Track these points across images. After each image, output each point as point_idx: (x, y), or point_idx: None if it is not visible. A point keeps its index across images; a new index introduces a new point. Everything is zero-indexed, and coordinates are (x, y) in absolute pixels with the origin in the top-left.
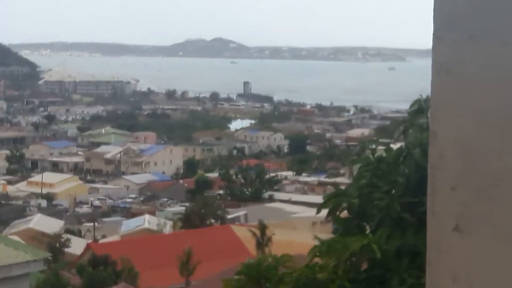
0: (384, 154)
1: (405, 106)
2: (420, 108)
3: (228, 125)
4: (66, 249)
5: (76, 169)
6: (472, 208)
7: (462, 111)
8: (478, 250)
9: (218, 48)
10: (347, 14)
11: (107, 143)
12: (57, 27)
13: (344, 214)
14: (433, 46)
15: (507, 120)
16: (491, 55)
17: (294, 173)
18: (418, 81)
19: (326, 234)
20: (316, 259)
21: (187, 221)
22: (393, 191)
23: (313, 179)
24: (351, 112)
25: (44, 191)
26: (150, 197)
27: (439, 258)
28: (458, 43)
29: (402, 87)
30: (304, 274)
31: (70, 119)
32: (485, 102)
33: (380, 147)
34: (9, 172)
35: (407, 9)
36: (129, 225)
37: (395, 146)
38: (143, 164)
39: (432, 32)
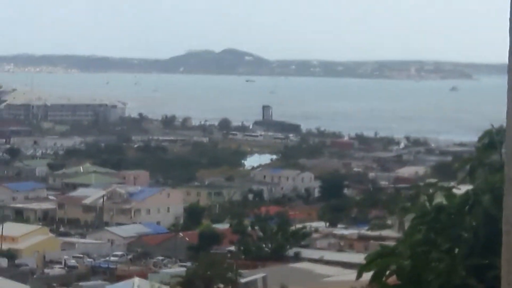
0: (444, 202)
1: (471, 138)
2: (491, 141)
3: (243, 161)
4: None
5: (46, 218)
6: None
7: None
8: None
9: (230, 62)
10: (396, 21)
11: (86, 185)
12: (22, 36)
13: (393, 279)
14: (509, 65)
15: None
16: None
17: (327, 224)
18: (488, 105)
19: None
20: None
21: (189, 286)
22: (456, 250)
23: (351, 232)
24: (402, 145)
25: (4, 246)
26: (141, 254)
27: None
28: None
29: (468, 113)
30: None
31: (39, 153)
32: None
33: (440, 192)
34: None
35: (474, 15)
36: None
37: (459, 191)
38: (132, 212)
39: (508, 44)
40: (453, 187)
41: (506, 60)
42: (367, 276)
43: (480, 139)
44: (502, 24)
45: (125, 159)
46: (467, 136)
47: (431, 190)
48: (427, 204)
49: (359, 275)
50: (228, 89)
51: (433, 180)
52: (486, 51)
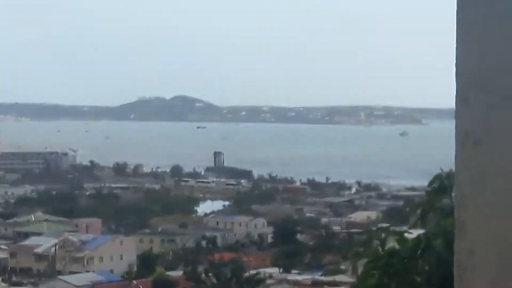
0: (397, 246)
1: (422, 182)
2: (442, 186)
3: (195, 208)
4: None
5: None
6: None
7: (497, 194)
8: None
9: (181, 108)
10: (345, 66)
11: (38, 234)
12: None
13: None
14: (456, 110)
15: None
16: None
17: (281, 269)
18: (438, 150)
19: None
20: None
21: None
22: None
23: (305, 277)
24: (353, 190)
25: None
26: None
27: None
28: (487, 106)
29: (418, 158)
30: None
31: None
32: None
33: (392, 237)
34: None
35: (422, 61)
36: None
37: (411, 236)
38: (85, 260)
39: (455, 92)
40: (405, 231)
41: (453, 105)
42: None
43: (430, 183)
44: (449, 69)
45: (77, 207)
46: (418, 180)
47: (383, 235)
48: (380, 248)
49: None
50: (179, 136)
51: (385, 225)
52: (434, 96)
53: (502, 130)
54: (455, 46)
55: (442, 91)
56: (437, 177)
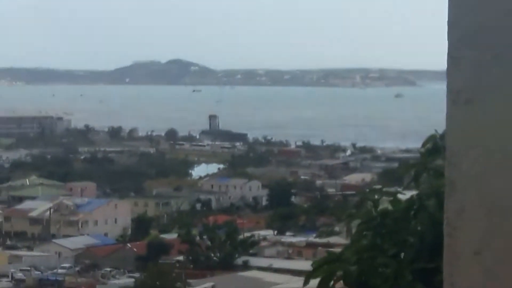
0: (390, 207)
1: (416, 144)
2: (435, 147)
3: (190, 171)
4: None
5: None
6: (502, 279)
7: (487, 153)
8: None
9: (176, 72)
10: (341, 29)
11: (33, 198)
12: None
13: (340, 285)
14: (447, 69)
15: None
16: None
17: (276, 232)
18: (432, 112)
19: None
20: None
21: None
22: (403, 254)
23: (299, 239)
24: (348, 152)
25: None
26: (89, 266)
27: None
28: (479, 64)
29: (412, 120)
30: None
31: None
32: None
33: (385, 198)
34: None
35: (416, 23)
36: None
37: (404, 197)
38: (80, 224)
39: (446, 51)
40: (398, 192)
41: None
42: (314, 282)
43: (424, 144)
44: (443, 30)
45: (71, 171)
46: (413, 142)
47: (376, 196)
48: (373, 210)
49: (306, 282)
50: (175, 99)
51: (378, 186)
52: (428, 58)
53: (494, 88)
54: (447, 4)
55: (436, 53)
56: (431, 138)
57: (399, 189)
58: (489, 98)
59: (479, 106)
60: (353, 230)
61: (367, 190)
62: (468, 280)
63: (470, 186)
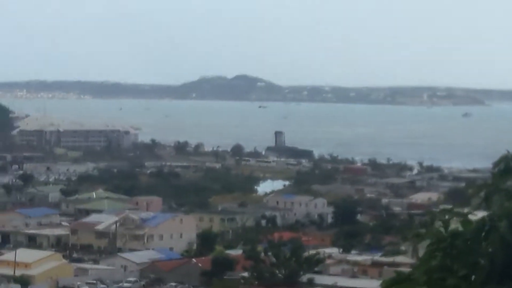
0: (460, 228)
1: (484, 164)
2: (507, 167)
3: (255, 187)
4: None
5: (59, 244)
6: None
7: None
8: None
9: (243, 87)
10: (409, 46)
11: (99, 211)
12: (35, 63)
13: None
14: None
15: None
16: None
17: (341, 250)
18: (500, 132)
19: None
20: None
21: None
22: (473, 276)
23: (365, 258)
24: (415, 171)
25: (18, 272)
26: (154, 280)
27: None
28: None
29: (480, 139)
30: None
31: (51, 179)
32: None
33: (455, 218)
34: None
35: (485, 41)
36: None
37: (474, 217)
38: (145, 238)
39: None
40: (469, 213)
41: None
42: None
43: (496, 164)
44: None
45: (137, 185)
46: (480, 162)
47: (446, 216)
48: (443, 230)
49: None
50: (240, 115)
51: (448, 206)
52: (497, 77)
53: None
54: None
55: (505, 72)
56: (503, 159)
57: (469, 210)
58: None
59: None
60: (420, 250)
61: (437, 210)
62: None
63: None
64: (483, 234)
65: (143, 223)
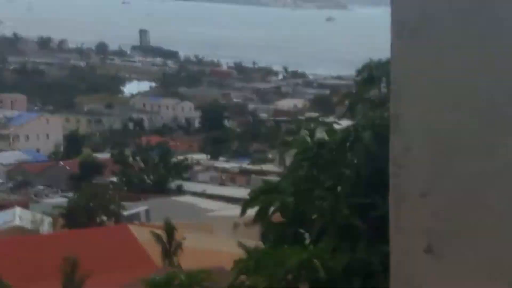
0: (326, 137)
1: (349, 71)
2: (370, 76)
3: (121, 88)
4: None
5: None
6: (450, 222)
7: (435, 88)
8: (457, 279)
9: None
10: None
11: None
12: None
13: (277, 216)
14: None
15: (495, 101)
16: (474, 8)
17: (209, 156)
18: (365, 38)
19: (252, 239)
20: (242, 277)
21: (71, 218)
22: (339, 187)
23: (233, 165)
24: (280, 76)
25: None
26: (21, 183)
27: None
28: None
29: (345, 45)
30: None
31: None
32: (465, 76)
33: (321, 127)
34: None
35: None
36: None
37: (339, 127)
38: (11, 138)
39: None
40: (334, 122)
41: None
42: (251, 211)
43: (359, 73)
44: None
45: (0, 81)
46: (344, 69)
47: (312, 125)
48: (308, 139)
49: (243, 212)
50: (104, 11)
51: (313, 114)
52: None
53: (440, 19)
54: None
55: None
56: (366, 67)
57: (334, 119)
58: (438, 28)
59: (426, 38)
60: (287, 159)
61: (303, 118)
62: (415, 222)
63: (416, 123)
64: (348, 144)
65: (8, 122)
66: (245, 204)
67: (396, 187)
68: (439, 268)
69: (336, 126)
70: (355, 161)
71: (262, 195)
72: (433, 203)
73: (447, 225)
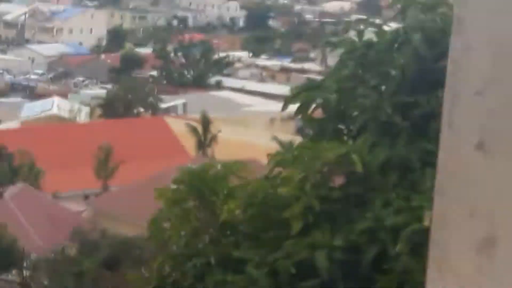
0: (374, 39)
1: None
2: None
3: None
4: None
5: None
6: (503, 121)
7: None
8: (507, 176)
9: None
10: None
11: (8, 1)
12: None
13: (318, 113)
14: None
15: None
16: None
17: (251, 54)
18: None
19: (287, 134)
20: (278, 169)
21: (109, 109)
22: (384, 87)
23: (274, 63)
24: None
25: None
26: (62, 74)
27: (453, 183)
28: None
29: None
30: (262, 188)
31: None
32: None
33: (370, 29)
34: None
35: None
36: (33, 109)
37: (388, 29)
38: (55, 31)
39: None
40: (384, 24)
41: None
42: (291, 108)
43: None
44: None
45: None
46: None
47: (361, 26)
48: (357, 39)
49: (285, 107)
50: None
51: (362, 16)
52: None
53: None
54: None
55: None
56: None
57: (383, 22)
58: None
59: None
60: (330, 59)
61: (351, 19)
62: (468, 119)
63: (479, 25)
64: (396, 45)
65: (53, 16)
66: (287, 99)
67: (452, 85)
68: (488, 164)
69: (386, 28)
70: (402, 62)
71: (306, 92)
72: (488, 101)
73: (501, 123)
